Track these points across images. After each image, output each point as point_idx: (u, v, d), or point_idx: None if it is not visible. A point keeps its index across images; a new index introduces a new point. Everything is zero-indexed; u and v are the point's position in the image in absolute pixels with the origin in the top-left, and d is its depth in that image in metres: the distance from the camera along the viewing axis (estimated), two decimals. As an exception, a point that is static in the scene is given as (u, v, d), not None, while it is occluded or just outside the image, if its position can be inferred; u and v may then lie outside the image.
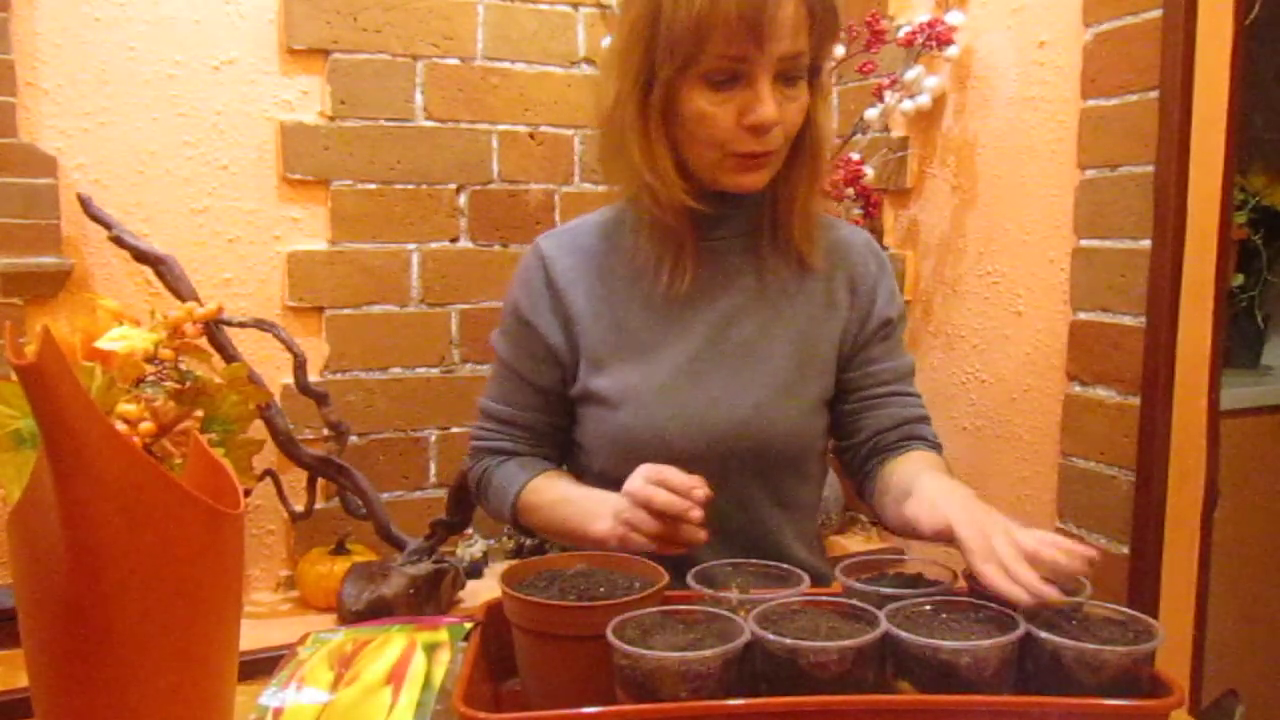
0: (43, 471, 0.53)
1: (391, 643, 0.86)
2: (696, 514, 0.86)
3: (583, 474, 1.13)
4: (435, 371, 1.75)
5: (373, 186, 1.67)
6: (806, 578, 0.83)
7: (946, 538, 0.83)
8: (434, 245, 1.73)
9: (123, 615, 0.54)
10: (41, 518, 0.53)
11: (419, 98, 1.69)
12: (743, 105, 0.95)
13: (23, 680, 1.29)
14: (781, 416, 1.05)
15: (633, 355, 1.07)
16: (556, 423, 1.13)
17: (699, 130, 0.98)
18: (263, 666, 0.92)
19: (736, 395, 1.05)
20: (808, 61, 0.98)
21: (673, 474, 0.89)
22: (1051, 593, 0.74)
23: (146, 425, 1.24)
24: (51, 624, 0.55)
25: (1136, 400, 1.45)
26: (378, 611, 1.42)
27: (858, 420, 1.12)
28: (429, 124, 1.70)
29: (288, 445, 1.50)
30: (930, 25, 1.68)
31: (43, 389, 0.50)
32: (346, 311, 1.67)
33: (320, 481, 1.55)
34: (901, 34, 1.72)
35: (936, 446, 1.11)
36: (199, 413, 1.30)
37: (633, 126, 1.00)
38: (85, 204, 1.42)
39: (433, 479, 1.76)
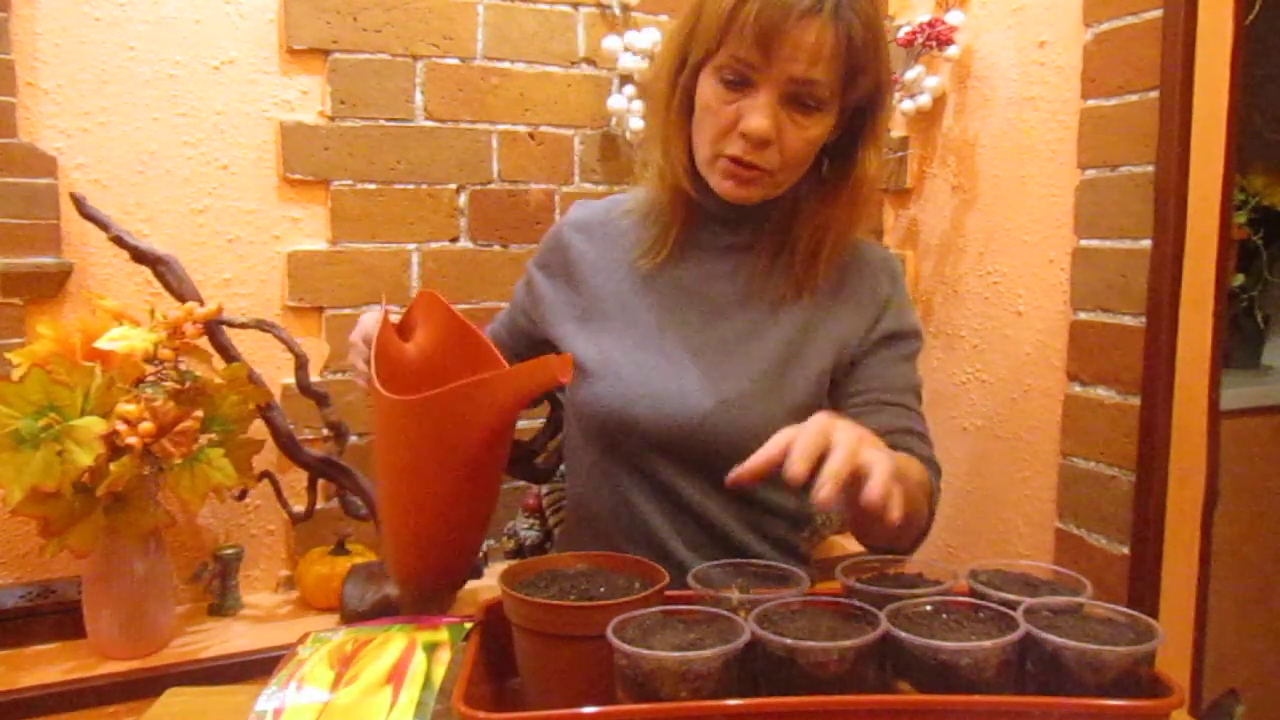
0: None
1: (391, 643, 0.86)
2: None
3: (567, 440, 1.20)
4: (435, 371, 1.75)
5: (373, 186, 1.67)
6: (806, 578, 0.83)
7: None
8: (434, 245, 1.72)
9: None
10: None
11: (419, 98, 1.69)
12: (743, 110, 0.97)
13: (23, 680, 1.29)
14: (743, 417, 1.03)
15: (619, 321, 1.10)
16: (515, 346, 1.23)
17: (703, 120, 1.01)
18: (263, 666, 0.92)
19: (707, 387, 1.04)
20: (829, 93, 0.97)
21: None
22: (825, 492, 0.71)
23: (146, 425, 1.24)
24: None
25: (1136, 400, 1.45)
26: (382, 612, 1.42)
27: None
28: (429, 124, 1.70)
29: (289, 445, 1.50)
30: (930, 25, 1.68)
31: None
32: (346, 311, 1.67)
33: (320, 482, 1.55)
34: (902, 34, 1.72)
35: (928, 461, 1.04)
36: (199, 413, 1.30)
37: (660, 98, 1.06)
38: (79, 204, 1.40)
39: (433, 479, 1.76)
